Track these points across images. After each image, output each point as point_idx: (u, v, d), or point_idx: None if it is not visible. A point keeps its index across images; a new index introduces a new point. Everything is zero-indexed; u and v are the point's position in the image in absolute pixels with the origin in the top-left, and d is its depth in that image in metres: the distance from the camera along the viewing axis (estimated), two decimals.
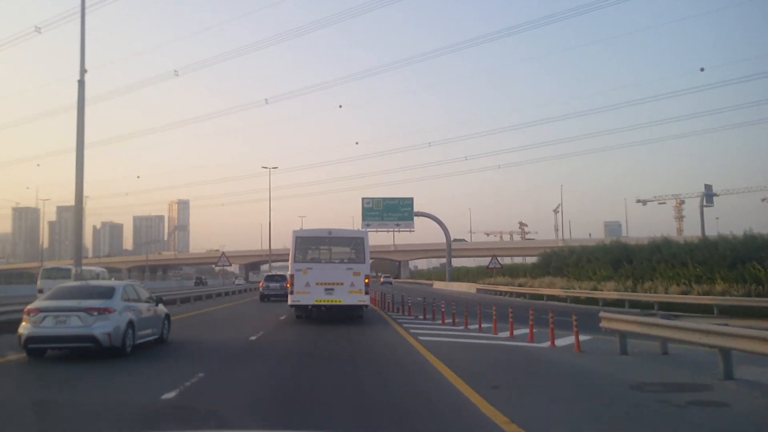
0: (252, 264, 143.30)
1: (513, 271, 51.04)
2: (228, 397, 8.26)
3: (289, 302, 19.13)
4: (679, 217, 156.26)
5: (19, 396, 8.51)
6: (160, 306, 14.34)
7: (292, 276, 18.80)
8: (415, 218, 65.97)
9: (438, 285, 71.17)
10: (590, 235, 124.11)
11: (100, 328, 11.11)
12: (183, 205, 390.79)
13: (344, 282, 18.57)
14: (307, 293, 18.55)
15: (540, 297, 37.39)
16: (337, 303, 18.64)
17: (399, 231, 65.60)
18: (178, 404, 7.61)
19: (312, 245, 20.03)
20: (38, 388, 9.15)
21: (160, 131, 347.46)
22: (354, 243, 19.97)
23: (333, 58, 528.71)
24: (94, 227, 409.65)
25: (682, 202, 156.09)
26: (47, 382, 9.56)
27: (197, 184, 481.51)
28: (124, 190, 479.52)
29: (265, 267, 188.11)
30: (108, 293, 12.06)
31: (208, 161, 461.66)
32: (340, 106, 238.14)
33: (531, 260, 73.75)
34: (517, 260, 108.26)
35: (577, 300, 31.93)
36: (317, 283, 18.53)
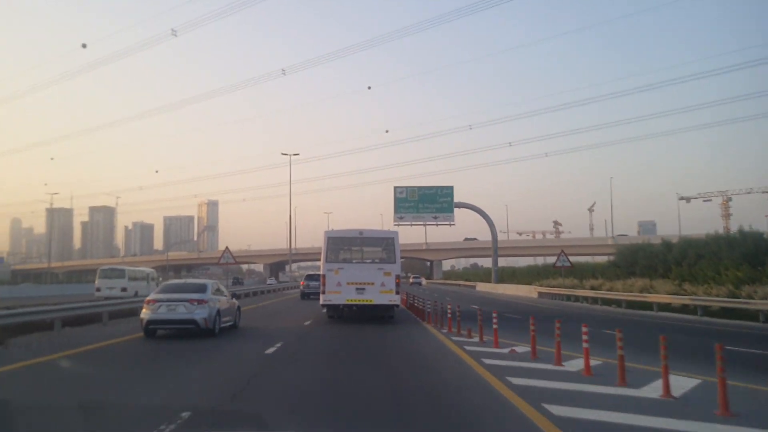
0: (277, 263, 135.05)
1: (578, 272, 41.09)
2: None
3: (321, 301, 19.04)
4: (726, 215, 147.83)
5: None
6: (234, 299, 18.56)
7: (323, 276, 18.76)
8: (456, 210, 56.44)
9: (483, 287, 61.50)
10: (626, 235, 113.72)
11: (199, 314, 14.90)
12: (212, 206, 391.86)
13: (375, 282, 18.49)
14: (338, 293, 18.56)
15: (619, 303, 28.74)
16: (368, 303, 18.57)
17: (437, 225, 56.13)
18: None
19: (343, 245, 19.95)
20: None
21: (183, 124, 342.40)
22: (385, 243, 19.88)
23: (360, 33, 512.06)
24: (126, 228, 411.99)
25: (729, 198, 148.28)
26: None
27: (224, 176, 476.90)
28: (155, 190, 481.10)
29: (294, 267, 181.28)
30: (202, 288, 15.95)
31: (234, 156, 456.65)
32: (369, 88, 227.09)
33: (577, 260, 63.48)
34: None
35: (709, 312, 22.30)
36: (348, 283, 18.52)
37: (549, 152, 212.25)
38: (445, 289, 65.97)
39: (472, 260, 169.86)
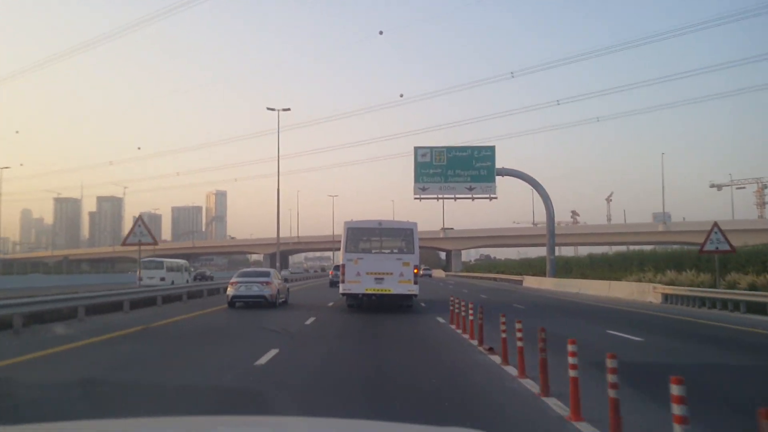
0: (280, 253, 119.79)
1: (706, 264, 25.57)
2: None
3: (341, 290, 19.31)
4: (761, 204, 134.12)
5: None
6: (285, 282, 26.13)
7: (343, 266, 19.05)
8: (498, 180, 40.95)
9: (531, 282, 45.89)
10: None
11: (267, 291, 21.02)
12: (220, 196, 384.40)
13: (394, 272, 18.60)
14: (358, 282, 18.74)
15: None
16: (387, 292, 18.67)
17: (472, 198, 40.63)
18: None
19: (363, 236, 20.12)
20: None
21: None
22: (404, 234, 19.84)
23: None
24: (134, 218, 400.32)
25: (765, 186, 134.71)
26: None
27: (231, 165, 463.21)
28: (164, 180, 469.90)
29: (297, 258, 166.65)
30: (267, 274, 22.56)
31: (241, 141, 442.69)
32: (381, 33, 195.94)
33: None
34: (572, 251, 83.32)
35: None
36: (368, 273, 18.67)
37: (600, 117, 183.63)
38: (476, 284, 50.31)
39: (483, 251, 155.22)
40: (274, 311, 19.76)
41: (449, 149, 40.79)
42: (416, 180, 40.41)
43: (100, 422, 3.33)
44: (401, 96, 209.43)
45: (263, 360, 9.73)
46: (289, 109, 45.84)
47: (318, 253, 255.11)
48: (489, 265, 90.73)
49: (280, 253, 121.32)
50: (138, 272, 29.52)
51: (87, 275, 65.69)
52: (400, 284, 18.50)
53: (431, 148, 40.76)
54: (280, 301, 22.17)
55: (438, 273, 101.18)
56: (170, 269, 37.05)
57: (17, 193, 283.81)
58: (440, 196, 40.74)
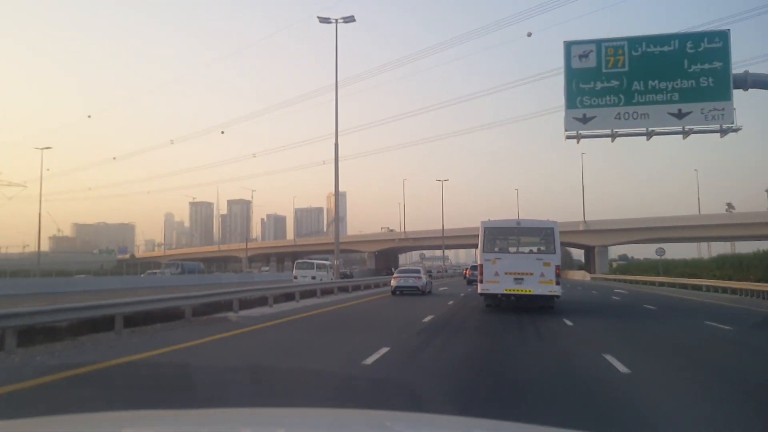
0: (384, 251, 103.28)
1: None
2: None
3: (479, 291, 18.74)
4: None
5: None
6: (431, 277, 35.88)
7: (481, 266, 18.52)
8: (737, 97, 20.19)
9: None
10: None
11: (420, 283, 28.57)
12: (340, 197, 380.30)
13: (534, 272, 17.76)
14: (496, 282, 18.11)
15: None
16: (527, 293, 17.87)
17: (684, 131, 20.32)
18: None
19: (500, 236, 19.41)
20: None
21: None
22: (543, 233, 18.90)
23: None
24: (262, 219, 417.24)
25: None
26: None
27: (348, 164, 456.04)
28: (286, 184, 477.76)
29: (406, 258, 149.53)
30: (419, 271, 30.45)
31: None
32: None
33: None
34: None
35: None
36: (506, 273, 17.96)
37: None
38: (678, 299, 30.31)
39: (625, 249, 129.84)
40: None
41: (634, 41, 20.62)
42: (570, 104, 20.89)
43: (98, 415, 3.22)
44: (529, 35, 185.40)
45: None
46: (352, 18, 28.26)
47: (434, 252, 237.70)
48: (650, 265, 66.95)
49: (385, 252, 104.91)
50: (293, 271, 39.03)
51: (230, 274, 67.88)
52: (541, 285, 17.69)
53: (598, 42, 20.98)
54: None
55: (574, 275, 79.20)
56: (318, 268, 41.33)
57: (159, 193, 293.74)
58: (618, 130, 20.71)
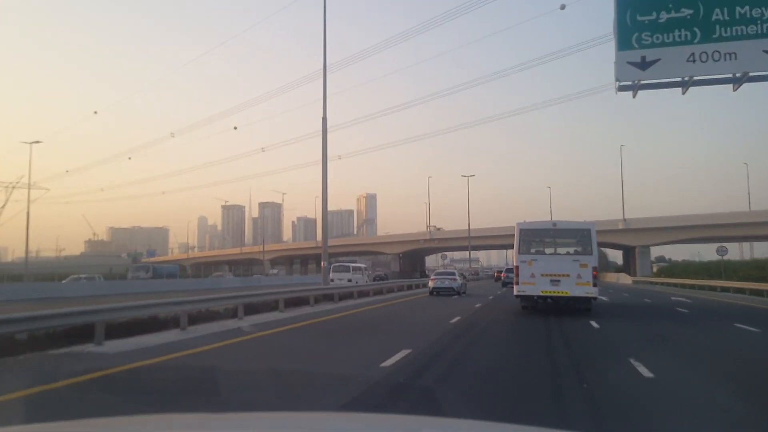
0: (409, 253, 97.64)
1: None
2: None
3: (515, 292, 18.40)
4: None
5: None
6: (465, 279, 39.17)
7: (517, 267, 18.30)
8: None
9: None
10: None
11: (455, 285, 32.37)
12: (371, 199, 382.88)
13: (570, 273, 17.40)
14: (532, 284, 17.77)
15: None
16: (564, 294, 17.52)
17: None
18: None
19: (536, 237, 19.23)
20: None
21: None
22: (580, 235, 18.64)
23: None
24: (293, 222, 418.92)
25: None
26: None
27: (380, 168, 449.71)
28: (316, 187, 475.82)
29: (432, 259, 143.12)
30: (453, 274, 35.23)
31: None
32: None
33: None
34: None
35: None
36: (543, 274, 17.67)
37: None
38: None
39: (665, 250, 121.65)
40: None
41: None
42: (622, 44, 15.18)
43: (100, 420, 3.19)
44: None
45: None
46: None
47: (463, 254, 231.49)
48: (701, 267, 59.49)
49: (412, 253, 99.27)
50: (330, 274, 35.76)
51: (222, 278, 64.51)
52: (578, 286, 17.34)
53: None
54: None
55: (612, 278, 72.35)
56: (354, 271, 42.93)
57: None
58: (691, 75, 14.92)
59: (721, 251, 38.92)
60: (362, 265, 49.19)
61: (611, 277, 76.25)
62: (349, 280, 38.72)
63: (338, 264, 46.12)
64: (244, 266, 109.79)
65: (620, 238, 72.04)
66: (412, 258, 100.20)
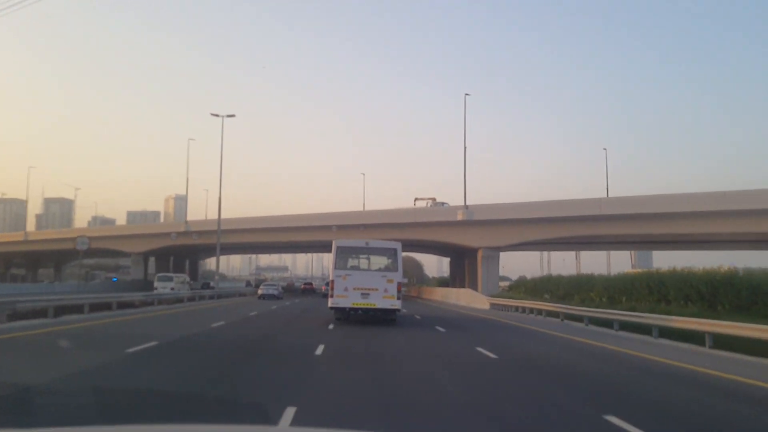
0: (163, 252, 63.61)
1: None
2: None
3: (330, 305, 19.13)
4: None
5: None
6: (281, 289, 52.78)
7: (332, 281, 18.87)
8: None
9: None
10: None
11: (277, 292, 47.24)
12: (179, 201, 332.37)
13: (379, 288, 18.50)
14: (345, 297, 18.57)
15: None
16: (372, 306, 18.54)
17: None
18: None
19: (351, 254, 19.97)
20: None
21: None
22: (389, 253, 19.81)
23: None
24: (89, 222, 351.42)
25: None
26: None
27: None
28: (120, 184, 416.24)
29: (217, 263, 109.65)
30: (276, 283, 57.36)
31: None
32: None
33: None
34: None
35: None
36: (355, 288, 18.52)
37: None
38: None
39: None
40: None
41: None
42: None
43: (98, 428, 3.32)
44: None
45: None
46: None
47: (273, 261, 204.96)
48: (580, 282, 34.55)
49: (167, 251, 63.88)
50: (155, 283, 42.78)
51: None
52: (384, 299, 18.43)
53: None
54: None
55: (437, 294, 47.48)
56: (177, 281, 44.76)
57: None
58: None
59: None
60: (185, 276, 53.22)
61: (437, 295, 50.94)
62: (172, 288, 40.32)
63: (162, 275, 47.54)
64: None
65: (459, 235, 46.29)
66: (165, 259, 66.12)
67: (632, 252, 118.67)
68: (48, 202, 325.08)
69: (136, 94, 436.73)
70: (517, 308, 29.29)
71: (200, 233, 58.78)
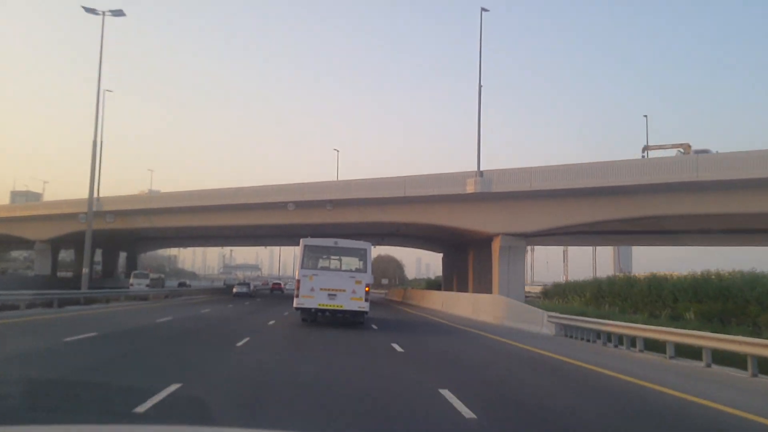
0: (66, 239, 48.00)
1: None
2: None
3: (295, 305, 18.03)
4: None
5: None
6: (254, 288, 62.71)
7: (298, 281, 18.04)
8: None
9: None
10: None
11: (248, 290, 51.13)
12: (153, 195, 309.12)
13: (346, 289, 17.68)
14: (311, 297, 17.63)
15: None
16: (339, 308, 17.68)
17: None
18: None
19: (318, 253, 19.07)
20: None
21: None
22: (358, 254, 18.77)
23: None
24: None
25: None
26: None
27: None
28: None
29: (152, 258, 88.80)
30: (249, 284, 57.81)
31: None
32: None
33: None
34: None
35: None
36: (321, 289, 17.67)
37: None
38: None
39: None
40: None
41: None
42: None
43: (94, 427, 3.31)
44: None
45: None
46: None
47: (245, 253, 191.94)
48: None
49: (74, 237, 48.27)
50: (131, 280, 45.82)
51: None
52: (352, 301, 17.58)
53: None
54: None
55: (428, 301, 34.02)
56: (152, 278, 49.27)
57: None
58: None
59: None
60: (161, 275, 62.87)
61: (433, 301, 36.33)
62: (148, 285, 43.99)
63: (138, 272, 49.90)
64: None
65: (467, 216, 31.66)
66: (67, 244, 50.58)
67: (614, 248, 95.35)
68: (15, 196, 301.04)
69: None
70: (609, 335, 14.75)
71: (116, 213, 43.54)
